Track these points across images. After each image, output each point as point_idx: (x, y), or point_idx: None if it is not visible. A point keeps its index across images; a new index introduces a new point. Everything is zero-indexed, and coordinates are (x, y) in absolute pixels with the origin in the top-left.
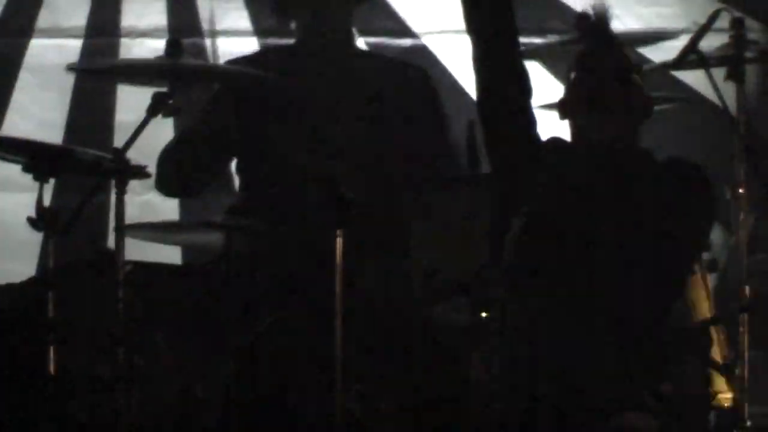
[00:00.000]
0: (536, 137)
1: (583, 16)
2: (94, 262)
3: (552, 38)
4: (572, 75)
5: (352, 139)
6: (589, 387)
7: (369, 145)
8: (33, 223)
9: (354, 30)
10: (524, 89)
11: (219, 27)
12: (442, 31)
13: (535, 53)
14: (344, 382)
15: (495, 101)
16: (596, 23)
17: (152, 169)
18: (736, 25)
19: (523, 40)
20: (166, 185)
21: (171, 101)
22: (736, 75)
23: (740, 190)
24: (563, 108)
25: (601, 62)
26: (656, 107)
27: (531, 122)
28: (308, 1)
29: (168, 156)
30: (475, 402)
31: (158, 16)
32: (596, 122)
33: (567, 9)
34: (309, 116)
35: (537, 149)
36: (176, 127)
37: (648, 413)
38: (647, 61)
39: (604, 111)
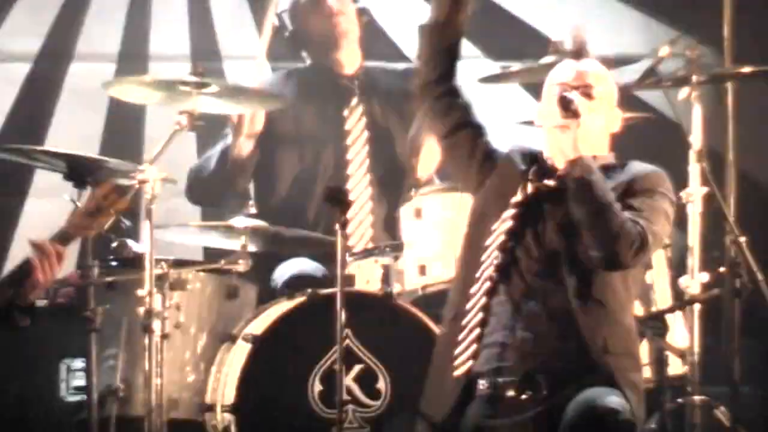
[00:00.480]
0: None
1: (556, 44)
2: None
3: (528, 62)
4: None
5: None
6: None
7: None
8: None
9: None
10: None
11: (234, 52)
12: None
13: (515, 75)
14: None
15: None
16: (575, 48)
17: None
18: (691, 50)
19: (503, 63)
20: (194, 194)
21: (195, 118)
22: (694, 96)
23: (691, 196)
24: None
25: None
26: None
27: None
28: (322, 42)
29: (198, 170)
30: None
31: (181, 43)
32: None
33: (542, 37)
34: (316, 137)
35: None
36: (198, 140)
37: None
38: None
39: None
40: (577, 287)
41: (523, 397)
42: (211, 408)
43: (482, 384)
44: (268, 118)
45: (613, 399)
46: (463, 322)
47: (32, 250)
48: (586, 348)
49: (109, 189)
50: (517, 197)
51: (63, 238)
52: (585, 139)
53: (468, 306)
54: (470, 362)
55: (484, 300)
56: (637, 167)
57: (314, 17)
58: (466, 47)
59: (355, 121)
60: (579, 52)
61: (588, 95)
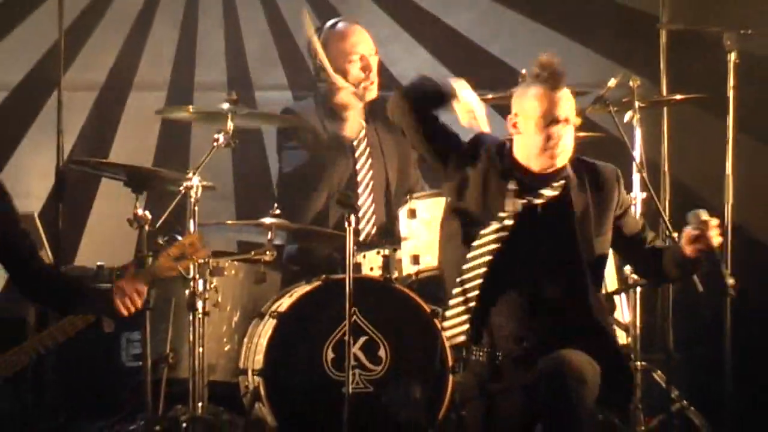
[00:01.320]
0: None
1: (525, 75)
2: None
3: (500, 91)
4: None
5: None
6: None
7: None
8: (131, 223)
9: None
10: None
11: (262, 82)
12: None
13: (489, 100)
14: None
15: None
16: (553, 77)
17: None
18: (633, 81)
19: (479, 92)
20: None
21: (231, 137)
22: (636, 118)
23: (635, 199)
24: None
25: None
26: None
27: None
28: (339, 65)
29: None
30: None
31: (220, 74)
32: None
33: (513, 70)
34: (334, 154)
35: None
36: (233, 155)
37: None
38: None
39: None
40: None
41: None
42: (243, 372)
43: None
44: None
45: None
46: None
47: (116, 291)
48: (596, 327)
49: (194, 239)
50: (507, 215)
51: (147, 277)
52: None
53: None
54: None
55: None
56: (612, 176)
57: (349, 58)
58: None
59: (363, 144)
60: (556, 81)
61: (567, 120)
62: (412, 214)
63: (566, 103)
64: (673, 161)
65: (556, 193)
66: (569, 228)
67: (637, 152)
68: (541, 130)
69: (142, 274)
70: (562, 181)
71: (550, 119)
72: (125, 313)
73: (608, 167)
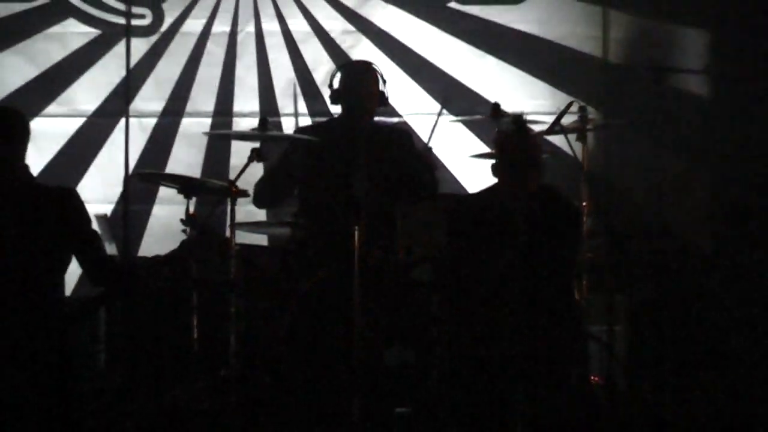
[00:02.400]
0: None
1: (495, 105)
2: (220, 245)
3: (476, 116)
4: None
5: (373, 176)
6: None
7: (381, 179)
8: (183, 222)
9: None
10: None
11: (288, 110)
12: (414, 113)
13: (468, 123)
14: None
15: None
16: (517, 126)
17: (250, 191)
18: (582, 110)
19: (459, 118)
20: (259, 201)
21: (263, 153)
22: (582, 139)
23: (584, 203)
24: (495, 171)
25: (521, 145)
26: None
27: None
28: (354, 97)
29: (260, 185)
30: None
31: (254, 104)
32: (521, 178)
33: (485, 101)
34: (342, 163)
35: None
36: (265, 167)
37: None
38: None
39: (524, 172)
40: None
41: None
42: None
43: None
44: (313, 150)
45: None
46: None
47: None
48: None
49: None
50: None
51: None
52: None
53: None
54: None
55: None
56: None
57: (359, 88)
58: (432, 104)
59: (369, 159)
60: (522, 129)
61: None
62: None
63: None
64: (613, 173)
65: None
66: None
67: (585, 165)
68: None
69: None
70: None
71: None
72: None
73: None
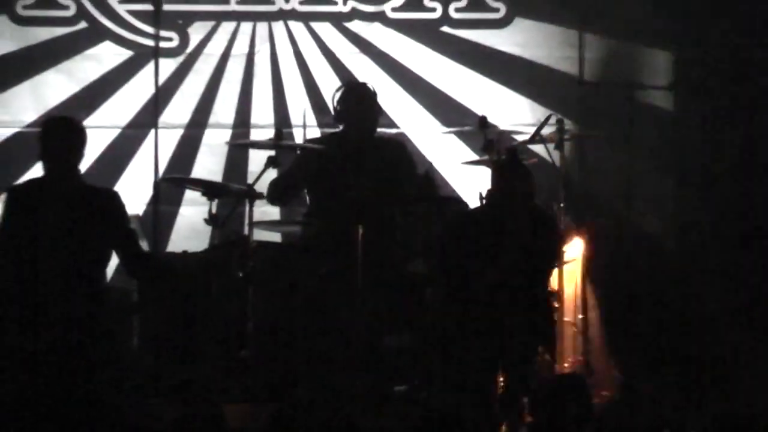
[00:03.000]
0: None
1: (482, 118)
2: (237, 242)
3: (466, 128)
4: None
5: (372, 181)
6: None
7: (380, 184)
8: (207, 221)
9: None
10: None
11: (298, 122)
12: (413, 125)
13: (458, 134)
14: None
15: None
16: (511, 156)
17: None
18: (559, 122)
19: (451, 129)
20: (271, 199)
21: (277, 161)
22: (560, 147)
23: (561, 205)
24: (489, 198)
25: (511, 176)
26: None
27: None
28: (354, 117)
29: (273, 186)
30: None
31: (269, 117)
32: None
33: (473, 114)
34: (346, 170)
35: None
36: (278, 173)
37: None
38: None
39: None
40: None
41: None
42: None
43: None
44: (321, 158)
45: None
46: None
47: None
48: None
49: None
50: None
51: None
52: None
53: None
54: None
55: None
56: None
57: (356, 104)
58: (427, 117)
59: (370, 168)
60: (516, 161)
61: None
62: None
63: None
64: (588, 177)
65: None
66: None
67: (562, 170)
68: None
69: None
70: None
71: None
72: None
73: None
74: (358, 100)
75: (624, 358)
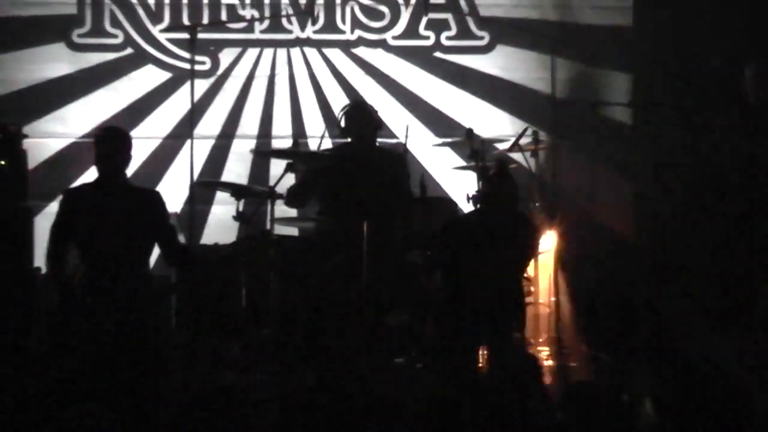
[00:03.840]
0: None
1: (469, 130)
2: (261, 236)
3: (456, 139)
4: (482, 183)
5: (375, 185)
6: None
7: (381, 186)
8: (235, 218)
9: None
10: None
11: (313, 133)
12: (409, 136)
13: (449, 144)
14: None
15: None
16: (499, 167)
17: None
18: (534, 133)
19: (443, 140)
20: (289, 202)
21: (294, 166)
22: (535, 155)
23: (536, 204)
24: (476, 200)
25: (499, 184)
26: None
27: None
28: (357, 131)
29: (291, 190)
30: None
31: (287, 129)
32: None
33: (461, 126)
34: (352, 175)
35: None
36: (296, 177)
37: None
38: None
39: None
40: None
41: None
42: None
43: None
44: (331, 165)
45: None
46: None
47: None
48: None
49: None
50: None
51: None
52: None
53: None
54: None
55: None
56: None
57: (364, 119)
58: (422, 129)
59: (373, 173)
60: (501, 166)
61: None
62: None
63: None
64: (559, 181)
65: None
66: None
67: (538, 175)
68: None
69: None
70: None
71: None
72: None
73: None
74: (359, 116)
75: (589, 334)
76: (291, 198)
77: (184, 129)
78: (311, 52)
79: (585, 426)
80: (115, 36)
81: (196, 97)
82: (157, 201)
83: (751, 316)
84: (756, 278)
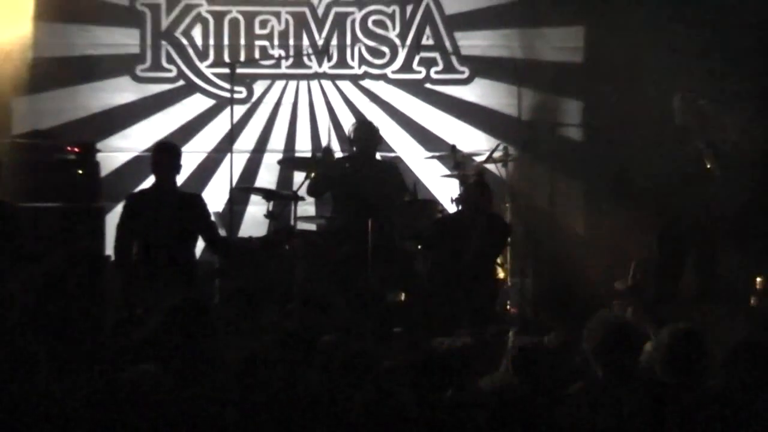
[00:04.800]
0: None
1: (453, 146)
2: (286, 230)
3: (442, 153)
4: (465, 190)
5: (377, 189)
6: None
7: (382, 191)
8: (266, 216)
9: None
10: None
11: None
12: (405, 151)
13: (437, 157)
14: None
15: None
16: (477, 176)
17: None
18: (505, 149)
19: (433, 153)
20: (310, 193)
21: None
22: (506, 166)
23: (507, 205)
24: (458, 202)
25: (477, 189)
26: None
27: None
28: (361, 145)
29: (311, 185)
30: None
31: (307, 144)
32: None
33: (446, 143)
34: (357, 180)
35: None
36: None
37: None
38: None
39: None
40: None
41: None
42: None
43: None
44: (342, 172)
45: None
46: None
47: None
48: None
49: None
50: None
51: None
52: None
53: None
54: None
55: None
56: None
57: (367, 137)
58: (415, 145)
59: (375, 180)
60: (479, 175)
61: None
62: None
63: None
64: (525, 188)
65: None
66: None
67: (508, 184)
68: None
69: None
70: None
71: None
72: None
73: None
74: (364, 132)
75: (548, 309)
76: (310, 190)
77: (225, 145)
78: (326, 84)
79: (534, 382)
80: (170, 71)
81: (235, 119)
82: (200, 203)
83: (677, 295)
84: (682, 265)
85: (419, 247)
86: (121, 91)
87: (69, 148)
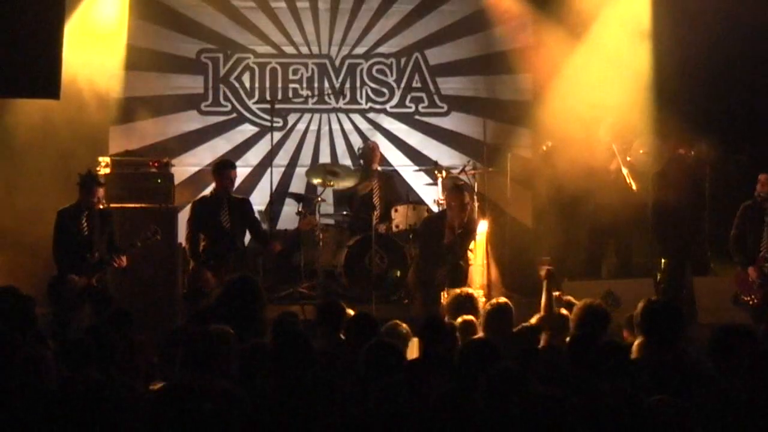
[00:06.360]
0: None
1: (435, 162)
2: (312, 224)
3: (427, 167)
4: (447, 195)
5: (378, 193)
6: None
7: (382, 194)
8: (297, 213)
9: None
10: None
11: (342, 163)
12: (399, 165)
13: (422, 170)
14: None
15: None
16: (453, 184)
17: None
18: (474, 164)
19: (420, 167)
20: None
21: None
22: (474, 177)
23: (476, 205)
24: (444, 205)
25: (455, 197)
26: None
27: None
28: (367, 159)
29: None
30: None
31: (328, 159)
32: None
33: (430, 159)
34: (364, 185)
35: None
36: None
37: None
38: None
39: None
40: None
41: None
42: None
43: None
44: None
45: None
46: None
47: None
48: None
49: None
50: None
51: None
52: None
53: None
54: None
55: None
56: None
57: (371, 154)
58: (406, 161)
59: (376, 187)
60: (459, 187)
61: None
62: (395, 210)
63: None
64: (492, 195)
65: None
66: None
67: (483, 196)
68: None
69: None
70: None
71: None
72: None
73: None
74: (369, 151)
75: (508, 285)
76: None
77: (266, 161)
78: (342, 116)
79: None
80: (226, 106)
81: (274, 142)
82: (248, 204)
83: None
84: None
85: (411, 237)
86: (190, 121)
87: (151, 164)
